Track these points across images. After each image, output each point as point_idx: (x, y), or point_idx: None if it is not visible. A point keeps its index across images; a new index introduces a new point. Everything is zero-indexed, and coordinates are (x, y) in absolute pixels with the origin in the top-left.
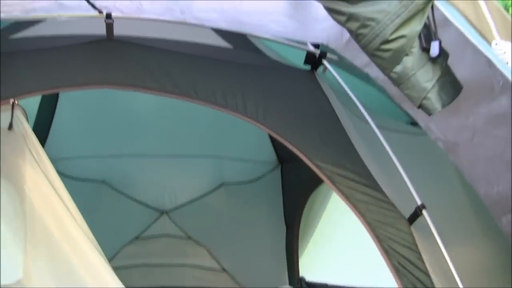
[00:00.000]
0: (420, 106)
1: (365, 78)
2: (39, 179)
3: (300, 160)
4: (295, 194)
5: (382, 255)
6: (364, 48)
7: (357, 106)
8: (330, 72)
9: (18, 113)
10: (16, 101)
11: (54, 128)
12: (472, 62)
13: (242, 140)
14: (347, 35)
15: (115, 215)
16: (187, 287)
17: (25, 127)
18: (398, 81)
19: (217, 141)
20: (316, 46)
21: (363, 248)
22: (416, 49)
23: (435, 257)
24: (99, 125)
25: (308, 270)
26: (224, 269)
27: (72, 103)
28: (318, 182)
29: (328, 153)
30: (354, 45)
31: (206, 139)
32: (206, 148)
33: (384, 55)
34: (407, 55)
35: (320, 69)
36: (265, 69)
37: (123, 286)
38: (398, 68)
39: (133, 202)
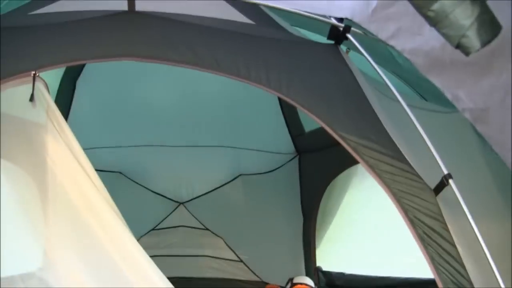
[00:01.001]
0: (458, 46)
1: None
2: (62, 150)
3: (318, 151)
4: (313, 185)
5: (407, 225)
6: None
7: (379, 80)
8: (355, 47)
9: (39, 85)
10: (37, 73)
11: (70, 118)
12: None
13: (260, 131)
14: (373, 4)
15: (132, 206)
16: (204, 278)
17: (47, 99)
18: (435, 20)
19: (234, 131)
20: (340, 20)
21: (379, 238)
22: None
23: (461, 228)
24: (116, 116)
25: (325, 260)
26: (241, 260)
27: (89, 93)
28: (336, 172)
29: (352, 125)
30: (380, 15)
31: (223, 130)
32: (224, 138)
33: None
34: None
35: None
36: (287, 43)
37: (147, 255)
38: (435, 6)
39: (150, 193)
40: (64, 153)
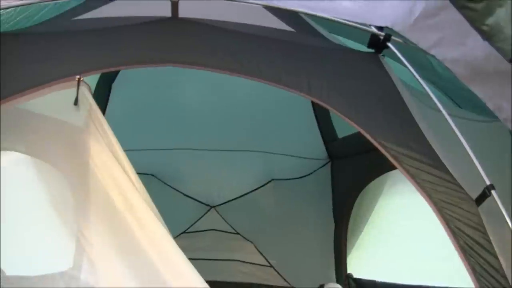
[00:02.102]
0: None
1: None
2: (104, 153)
3: (351, 157)
4: (345, 191)
5: (448, 235)
6: None
7: (420, 89)
8: (395, 55)
9: (83, 89)
10: (82, 78)
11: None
12: None
13: (293, 136)
14: (416, 14)
15: (163, 209)
16: (233, 282)
17: (90, 102)
18: (489, 34)
19: (267, 136)
20: (380, 28)
21: (412, 245)
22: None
23: (504, 239)
24: (150, 119)
25: (356, 267)
26: (271, 265)
27: (124, 97)
28: (369, 179)
29: (393, 133)
30: (422, 24)
31: (256, 134)
32: (256, 143)
33: (476, 7)
34: (500, 6)
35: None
36: (328, 51)
37: (185, 257)
38: (490, 20)
39: (182, 196)
40: (106, 156)
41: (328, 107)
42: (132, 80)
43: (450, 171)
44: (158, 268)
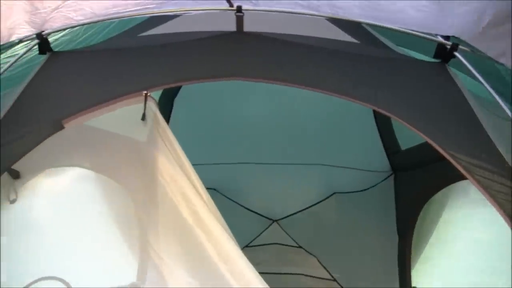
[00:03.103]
0: None
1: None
2: (172, 168)
3: (415, 169)
4: (409, 203)
5: None
6: None
7: (488, 99)
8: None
9: (151, 104)
10: (149, 93)
11: None
12: None
13: (354, 148)
14: (484, 21)
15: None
16: None
17: (158, 117)
18: None
19: (328, 149)
20: (447, 38)
21: (479, 258)
22: None
23: None
24: (212, 133)
25: (420, 280)
26: (334, 279)
27: (186, 112)
28: (433, 191)
29: (463, 144)
30: (491, 33)
31: (317, 147)
32: (317, 156)
33: None
34: None
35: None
36: (394, 62)
37: (255, 270)
38: None
39: (244, 210)
40: (174, 170)
41: (396, 118)
42: (194, 95)
43: None
44: (228, 281)
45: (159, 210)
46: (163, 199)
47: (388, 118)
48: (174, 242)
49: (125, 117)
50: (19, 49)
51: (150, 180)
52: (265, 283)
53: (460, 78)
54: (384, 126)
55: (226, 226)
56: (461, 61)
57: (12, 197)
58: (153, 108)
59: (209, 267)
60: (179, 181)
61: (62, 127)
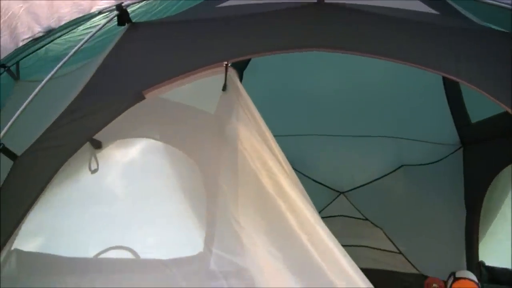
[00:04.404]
0: None
1: None
2: (253, 137)
3: (484, 142)
4: (478, 177)
5: None
6: None
7: None
8: None
9: (231, 74)
10: (229, 63)
11: None
12: None
13: (424, 121)
14: None
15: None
16: (362, 268)
17: (238, 87)
18: None
19: (397, 121)
20: None
21: None
22: None
23: None
24: (280, 105)
25: (488, 254)
26: (400, 252)
27: (255, 84)
28: (503, 165)
29: None
30: None
31: (385, 119)
32: (386, 128)
33: None
34: None
35: None
36: (475, 33)
37: (337, 240)
38: None
39: (311, 182)
40: (255, 140)
41: (477, 89)
42: (263, 67)
43: None
44: (309, 250)
45: (239, 179)
46: (243, 168)
47: (459, 91)
48: (255, 211)
49: (195, 89)
50: (99, 20)
51: (228, 149)
52: (346, 253)
53: None
54: (454, 98)
55: (307, 197)
56: None
57: (94, 167)
58: (234, 78)
59: (290, 237)
60: (261, 150)
61: (143, 98)
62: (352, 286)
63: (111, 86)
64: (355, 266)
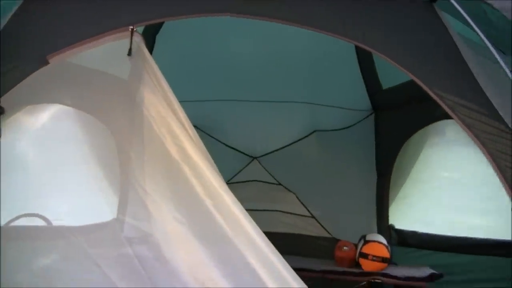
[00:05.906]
0: None
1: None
2: (159, 103)
3: (395, 109)
4: (389, 143)
5: (504, 186)
6: None
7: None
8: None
9: (137, 39)
10: (135, 28)
11: None
12: None
13: (336, 87)
14: None
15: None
16: (275, 232)
17: (144, 53)
18: None
19: (310, 87)
20: None
21: (454, 197)
22: None
23: None
24: (194, 71)
25: (397, 218)
26: (312, 216)
27: (168, 49)
28: (412, 130)
29: (448, 83)
30: None
31: (299, 85)
32: (299, 94)
33: None
34: None
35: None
36: (383, 1)
37: (241, 206)
38: None
39: (225, 147)
40: (161, 106)
41: (384, 57)
42: (176, 31)
43: (507, 122)
44: (214, 216)
45: (145, 146)
46: (149, 134)
47: (371, 57)
48: (161, 178)
49: (108, 54)
50: None
51: (136, 116)
52: (249, 217)
53: (447, 19)
54: (366, 65)
55: (213, 163)
56: (449, 2)
57: None
58: (139, 43)
59: (195, 202)
60: (166, 117)
61: (47, 63)
62: (257, 250)
63: (14, 51)
64: (259, 230)
